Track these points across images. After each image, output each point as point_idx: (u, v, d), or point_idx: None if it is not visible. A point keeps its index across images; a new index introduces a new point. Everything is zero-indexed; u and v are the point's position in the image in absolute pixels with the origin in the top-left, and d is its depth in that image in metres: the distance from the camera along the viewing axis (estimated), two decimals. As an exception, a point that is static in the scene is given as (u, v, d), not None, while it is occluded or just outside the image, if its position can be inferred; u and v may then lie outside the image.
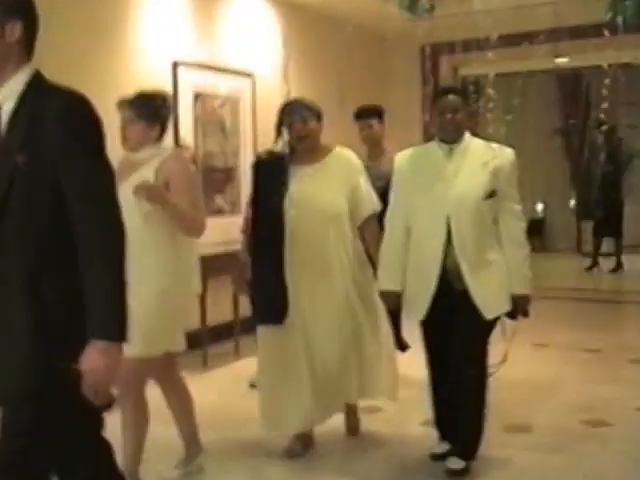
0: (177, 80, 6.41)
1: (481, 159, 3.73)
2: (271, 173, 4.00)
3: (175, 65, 6.39)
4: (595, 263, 11.17)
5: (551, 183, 13.57)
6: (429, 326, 3.83)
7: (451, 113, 3.73)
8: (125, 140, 3.75)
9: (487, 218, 3.72)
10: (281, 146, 4.07)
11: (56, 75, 5.42)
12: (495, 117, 8.96)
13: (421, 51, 8.57)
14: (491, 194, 3.68)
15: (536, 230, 12.16)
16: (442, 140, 3.80)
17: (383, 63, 9.11)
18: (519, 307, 3.78)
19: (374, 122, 5.29)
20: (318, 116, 4.07)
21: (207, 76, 6.63)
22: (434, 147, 3.83)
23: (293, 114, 3.98)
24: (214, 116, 6.83)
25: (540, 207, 13.88)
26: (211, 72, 6.64)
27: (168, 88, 6.24)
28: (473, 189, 3.68)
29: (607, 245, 11.34)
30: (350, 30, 6.78)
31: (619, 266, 11.01)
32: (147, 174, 3.53)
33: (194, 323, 5.59)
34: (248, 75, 7.24)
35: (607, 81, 5.91)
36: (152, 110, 3.63)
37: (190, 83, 6.54)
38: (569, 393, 5.29)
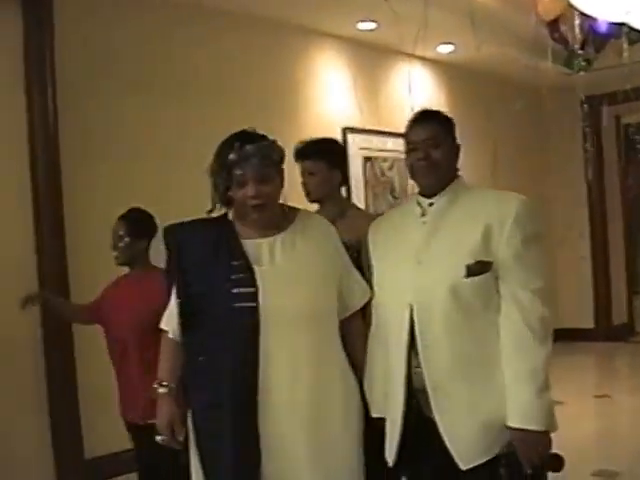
0: (347, 145, 6.71)
1: (469, 216, 2.45)
2: (211, 250, 2.54)
3: (345, 131, 6.74)
4: None
5: None
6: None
7: (425, 149, 2.49)
8: None
9: (475, 308, 2.37)
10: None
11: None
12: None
13: (580, 104, 8.56)
14: (480, 268, 2.35)
15: None
16: (421, 193, 2.59)
17: (540, 118, 9.15)
18: (522, 451, 2.30)
19: (315, 166, 3.45)
20: (279, 165, 2.58)
21: (375, 140, 6.92)
22: (411, 204, 2.62)
23: (244, 167, 2.47)
24: (383, 178, 7.12)
25: None
26: (378, 136, 6.92)
27: None
28: (450, 263, 2.38)
29: None
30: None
31: None
32: None
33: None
34: (413, 136, 7.48)
35: None
36: None
37: (359, 147, 6.86)
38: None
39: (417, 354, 2.39)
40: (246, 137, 2.54)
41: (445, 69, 7.89)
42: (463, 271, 2.34)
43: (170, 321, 2.62)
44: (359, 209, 3.59)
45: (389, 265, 2.56)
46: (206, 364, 2.49)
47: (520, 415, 2.28)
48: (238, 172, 2.47)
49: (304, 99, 6.49)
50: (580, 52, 7.02)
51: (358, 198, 6.73)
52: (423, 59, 7.60)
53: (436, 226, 2.47)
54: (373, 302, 2.64)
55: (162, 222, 4.99)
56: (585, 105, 8.28)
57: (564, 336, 9.03)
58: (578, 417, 5.69)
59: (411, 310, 2.40)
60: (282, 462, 2.45)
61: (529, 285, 2.34)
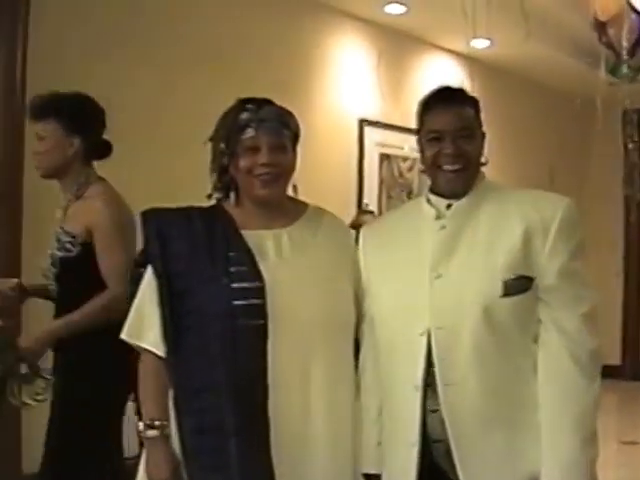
0: (363, 138, 6.22)
1: (502, 219, 2.01)
2: (203, 240, 2.08)
3: (361, 123, 6.21)
4: None
5: None
6: None
7: (455, 141, 2.02)
8: None
9: (512, 336, 1.95)
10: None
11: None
12: None
13: (623, 116, 8.00)
14: (520, 285, 1.93)
15: None
16: (436, 192, 2.09)
17: (582, 129, 8.57)
18: None
19: (46, 128, 2.73)
20: (295, 141, 2.19)
21: (394, 136, 6.33)
22: (420, 205, 2.12)
23: (258, 129, 2.08)
24: (401, 179, 6.55)
25: None
26: (398, 132, 6.29)
27: (354, 147, 6.19)
28: (483, 277, 1.95)
29: None
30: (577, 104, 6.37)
31: None
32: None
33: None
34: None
35: None
36: None
37: (376, 142, 6.34)
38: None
39: (435, 393, 1.95)
40: (262, 100, 2.16)
41: (479, 67, 7.29)
42: (500, 288, 1.92)
43: (146, 331, 2.07)
44: (106, 187, 2.78)
45: (394, 280, 2.08)
46: (200, 379, 2.01)
47: (558, 472, 1.89)
48: (250, 135, 2.08)
49: (319, 85, 5.98)
50: (627, 59, 6.52)
51: (370, 198, 6.20)
52: (453, 52, 7.09)
53: (459, 231, 2.02)
54: (364, 328, 2.14)
55: (138, 207, 4.50)
56: (630, 118, 7.79)
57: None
58: (604, 465, 5.04)
59: (428, 335, 1.95)
60: None
61: (577, 309, 1.94)
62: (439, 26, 6.36)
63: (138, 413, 2.15)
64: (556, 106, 8.12)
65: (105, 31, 4.52)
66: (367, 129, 6.23)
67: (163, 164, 4.70)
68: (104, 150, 2.88)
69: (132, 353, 2.14)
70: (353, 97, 6.21)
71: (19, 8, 4.11)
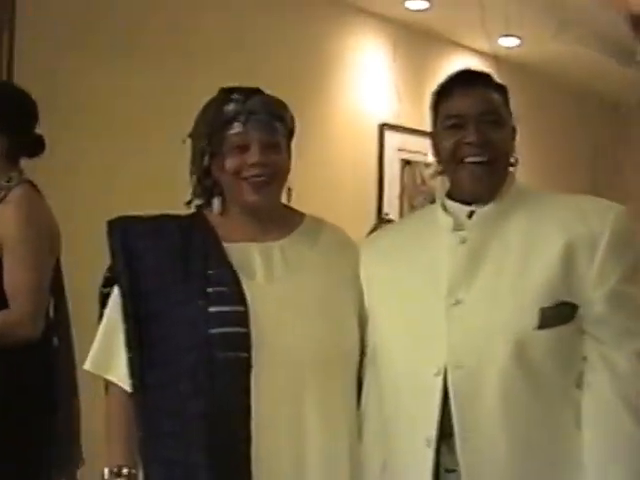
0: (383, 144, 5.90)
1: (537, 231, 1.69)
2: (177, 256, 1.82)
3: (382, 128, 5.89)
4: None
5: None
6: None
7: (479, 127, 1.72)
8: None
9: (550, 378, 1.64)
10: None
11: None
12: None
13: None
14: (560, 314, 1.62)
15: None
16: (454, 197, 1.80)
17: (619, 131, 8.27)
18: None
19: None
20: (290, 137, 1.96)
21: (417, 141, 5.94)
22: (434, 214, 1.83)
23: (247, 123, 1.82)
24: (423, 187, 6.19)
25: None
26: (421, 137, 5.80)
27: (374, 152, 5.92)
28: (514, 304, 1.64)
29: None
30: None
31: None
32: None
33: None
34: (464, 142, 6.63)
35: None
36: None
37: (398, 148, 6.02)
38: None
39: (451, 448, 1.63)
40: (249, 89, 1.89)
41: (508, 67, 6.86)
42: (535, 318, 1.59)
43: (114, 361, 1.84)
44: (27, 191, 2.51)
45: (401, 307, 1.77)
46: (168, 422, 1.76)
47: None
48: (237, 130, 1.81)
49: (336, 87, 5.68)
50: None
51: (391, 207, 5.88)
52: (478, 51, 6.79)
53: (483, 245, 1.69)
54: (366, 363, 1.85)
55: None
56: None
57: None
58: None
59: (444, 373, 1.63)
60: None
61: (629, 343, 1.61)
62: (463, 23, 6.05)
63: None
64: (591, 108, 7.87)
65: (97, 27, 4.24)
66: (387, 133, 5.93)
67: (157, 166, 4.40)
68: (36, 147, 2.60)
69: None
70: (372, 100, 5.93)
71: (5, 2, 3.87)
